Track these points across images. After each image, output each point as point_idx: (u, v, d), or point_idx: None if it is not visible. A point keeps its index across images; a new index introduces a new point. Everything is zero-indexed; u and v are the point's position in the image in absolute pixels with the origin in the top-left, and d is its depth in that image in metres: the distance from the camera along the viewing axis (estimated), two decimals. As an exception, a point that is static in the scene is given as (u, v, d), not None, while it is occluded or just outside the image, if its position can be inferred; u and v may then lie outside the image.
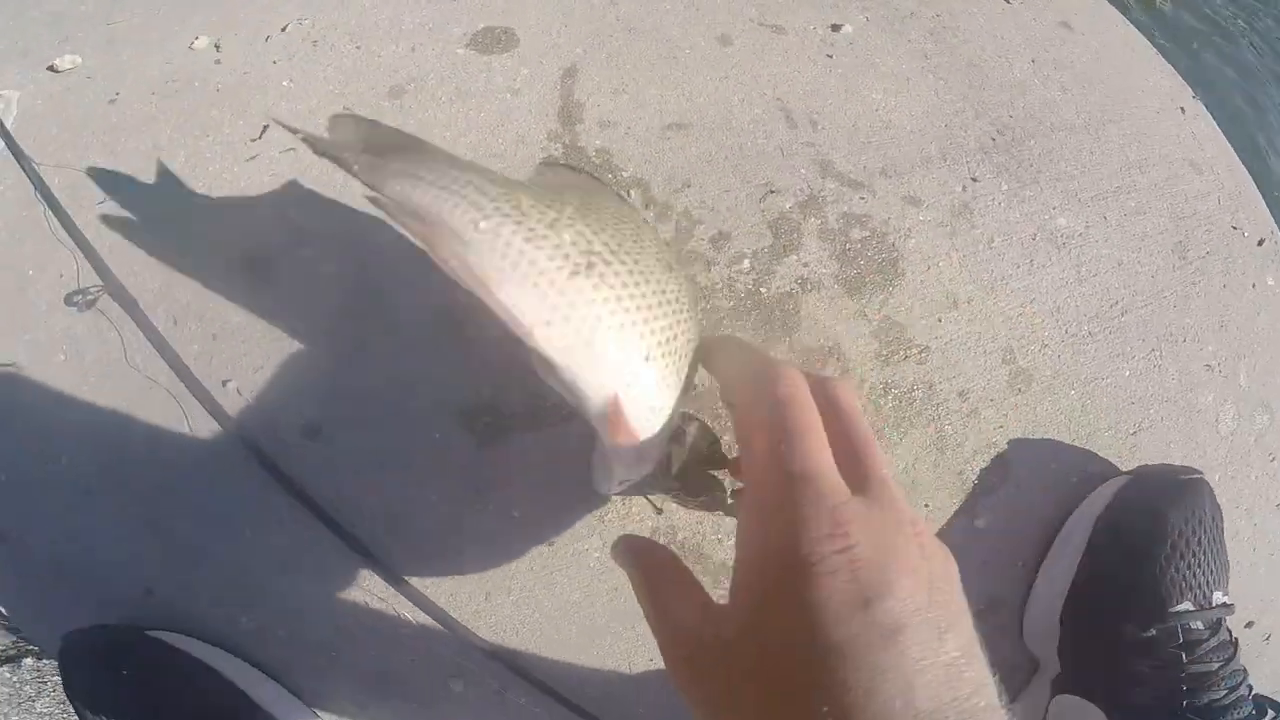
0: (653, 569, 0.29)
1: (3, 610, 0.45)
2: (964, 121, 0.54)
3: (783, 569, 0.24)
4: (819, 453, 0.26)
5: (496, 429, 0.42)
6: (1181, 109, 0.65)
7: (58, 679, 0.56)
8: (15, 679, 0.57)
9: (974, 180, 0.51)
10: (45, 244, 0.45)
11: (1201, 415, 0.52)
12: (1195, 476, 0.45)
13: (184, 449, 0.42)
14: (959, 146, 0.52)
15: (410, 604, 0.41)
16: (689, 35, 0.52)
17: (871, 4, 0.57)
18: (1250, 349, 0.54)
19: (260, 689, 0.40)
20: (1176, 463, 0.50)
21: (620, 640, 0.42)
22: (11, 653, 0.56)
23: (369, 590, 0.41)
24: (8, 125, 0.49)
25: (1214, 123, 0.66)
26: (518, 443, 0.42)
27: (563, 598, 0.42)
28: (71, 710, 0.52)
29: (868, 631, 0.22)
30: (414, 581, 0.41)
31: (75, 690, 0.38)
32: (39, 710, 0.57)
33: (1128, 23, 0.70)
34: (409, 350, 0.43)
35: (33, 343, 0.43)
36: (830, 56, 0.53)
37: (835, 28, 0.54)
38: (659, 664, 0.42)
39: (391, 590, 0.41)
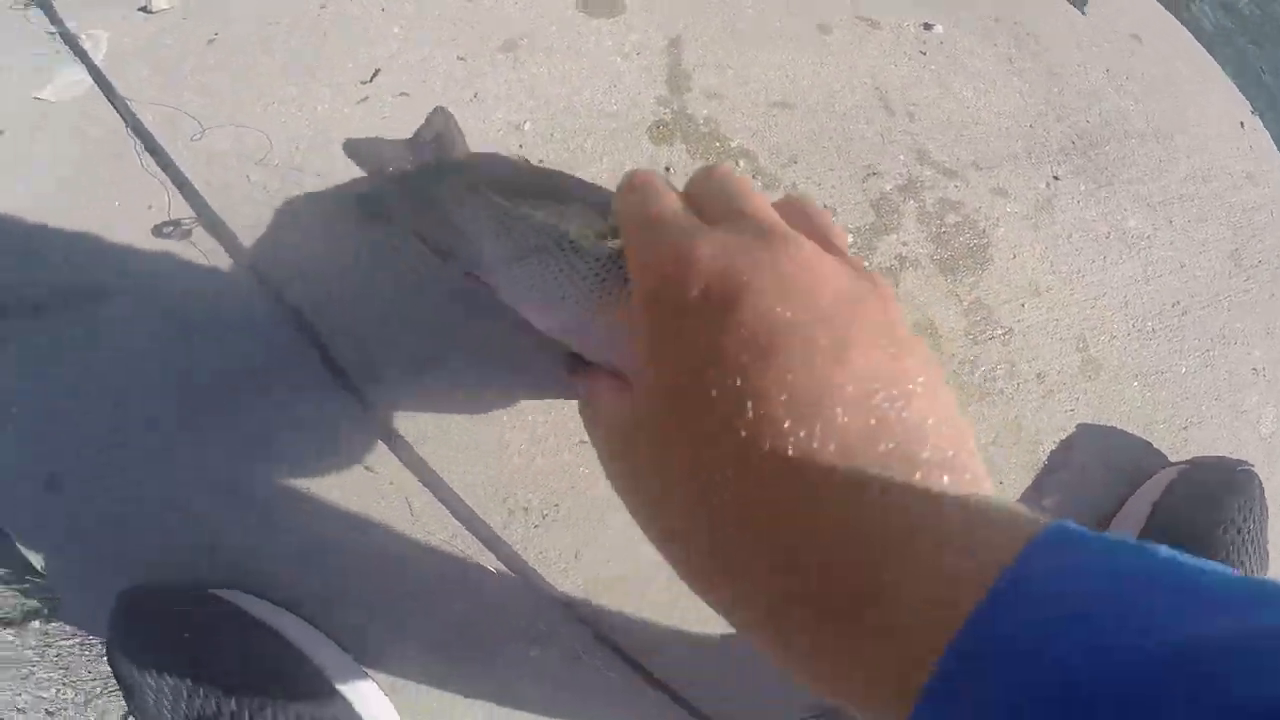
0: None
1: (37, 567, 0.42)
2: (1046, 124, 0.56)
3: (645, 307, 0.24)
4: (661, 198, 0.26)
5: None
6: (1241, 123, 0.68)
7: (64, 643, 0.52)
8: (19, 642, 0.52)
9: (1055, 179, 0.54)
10: (132, 178, 0.45)
11: (1245, 416, 0.55)
12: (1248, 468, 0.48)
13: (274, 399, 0.40)
14: (1042, 146, 0.55)
15: (496, 560, 0.40)
16: (789, 21, 0.54)
17: (958, 7, 0.59)
18: (1297, 355, 0.57)
19: (323, 653, 0.39)
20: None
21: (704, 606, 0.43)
22: (15, 615, 0.51)
23: (453, 549, 0.40)
24: (98, 62, 0.49)
25: (1270, 138, 0.69)
26: None
27: (650, 557, 0.42)
28: (67, 679, 0.49)
29: (733, 350, 0.21)
30: (506, 537, 0.40)
31: (126, 649, 0.35)
32: (38, 676, 0.52)
33: (1192, 37, 0.72)
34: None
35: (125, 276, 0.42)
36: (924, 53, 0.55)
37: (927, 26, 0.56)
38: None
39: (480, 546, 0.40)
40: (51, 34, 0.49)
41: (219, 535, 0.40)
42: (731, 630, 0.40)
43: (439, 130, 0.44)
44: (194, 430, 0.40)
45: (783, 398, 0.20)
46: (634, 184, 0.29)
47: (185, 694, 0.35)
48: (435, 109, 0.45)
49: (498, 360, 0.43)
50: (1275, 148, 0.68)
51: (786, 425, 0.20)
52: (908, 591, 0.18)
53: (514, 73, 0.48)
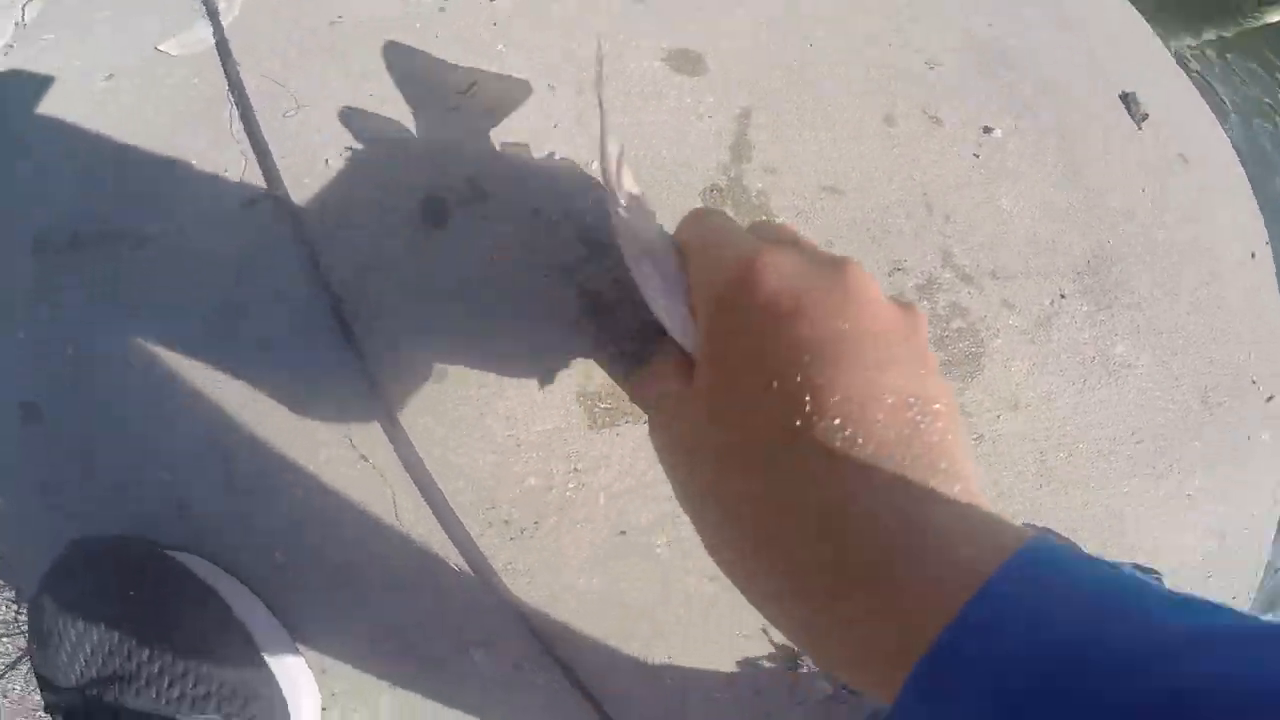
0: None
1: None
2: (1070, 240, 0.60)
3: (711, 308, 0.28)
4: (726, 220, 0.33)
5: (611, 413, 0.48)
6: (1253, 254, 0.72)
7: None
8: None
9: (1062, 297, 0.58)
10: (219, 140, 0.48)
11: (1171, 531, 0.62)
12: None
13: (295, 373, 0.42)
14: (1059, 263, 0.59)
15: (463, 561, 0.42)
16: (860, 108, 0.57)
17: (1023, 113, 0.62)
18: (1229, 490, 0.64)
19: (260, 624, 0.39)
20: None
21: (652, 636, 0.46)
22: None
23: (424, 545, 0.42)
24: (225, 25, 0.53)
25: (1274, 272, 0.73)
26: (625, 427, 0.48)
27: (612, 584, 0.46)
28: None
29: (797, 350, 0.25)
30: (480, 543, 0.43)
31: (58, 597, 0.34)
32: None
33: (1236, 160, 0.75)
34: (551, 325, 0.47)
35: (175, 226, 0.45)
36: (977, 156, 0.58)
37: (987, 130, 0.59)
38: (675, 660, 0.47)
39: (451, 547, 0.43)
40: None
41: (192, 496, 0.40)
42: (678, 664, 0.49)
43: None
44: (194, 389, 0.42)
45: (835, 397, 0.24)
46: (699, 211, 0.35)
47: (107, 650, 0.33)
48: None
49: (520, 377, 0.47)
50: (1275, 283, 0.72)
51: (836, 421, 0.23)
52: (914, 576, 0.21)
53: (595, 111, 0.52)
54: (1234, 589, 0.65)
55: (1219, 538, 0.64)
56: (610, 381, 0.48)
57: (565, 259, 0.48)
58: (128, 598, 0.35)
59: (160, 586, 0.37)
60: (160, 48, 0.52)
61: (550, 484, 0.46)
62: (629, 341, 0.47)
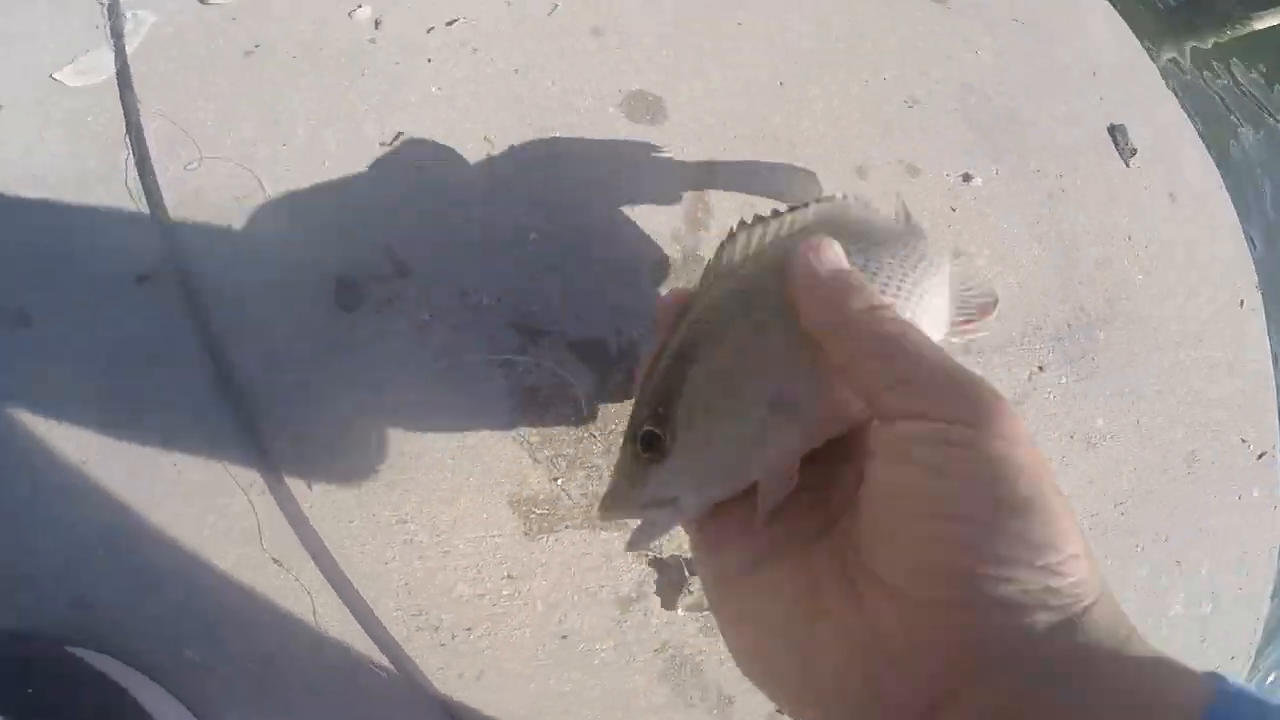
0: None
1: None
2: (1048, 303, 0.56)
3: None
4: None
5: (548, 519, 0.44)
6: (1241, 301, 0.68)
7: None
8: None
9: (1040, 369, 0.54)
10: (113, 195, 0.43)
11: (1158, 598, 0.59)
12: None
13: (197, 468, 0.39)
14: (1037, 330, 0.55)
15: (388, 662, 0.40)
16: (829, 160, 0.52)
17: (1006, 158, 0.57)
18: (1220, 551, 0.61)
19: (173, 718, 0.37)
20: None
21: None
22: None
23: (346, 644, 0.40)
24: (129, 50, 0.46)
25: (1264, 319, 0.70)
26: (564, 533, 0.44)
27: (554, 689, 0.43)
28: None
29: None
30: (408, 647, 0.41)
31: None
32: None
33: (1227, 198, 0.71)
34: (481, 423, 0.43)
35: (61, 302, 0.41)
36: (954, 209, 0.54)
37: (966, 178, 0.55)
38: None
39: (380, 654, 0.40)
40: (102, 2, 0.45)
41: (93, 592, 0.38)
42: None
43: None
44: (88, 481, 0.39)
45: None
46: None
47: None
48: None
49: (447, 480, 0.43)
50: (1264, 333, 0.68)
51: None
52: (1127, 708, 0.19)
53: (539, 168, 0.47)
54: (1232, 649, 0.62)
55: (1213, 600, 0.61)
56: (548, 486, 0.43)
57: (497, 347, 0.43)
58: (25, 695, 0.34)
59: (61, 682, 0.35)
60: (56, 76, 0.45)
61: (482, 592, 0.43)
62: (568, 445, 0.43)
